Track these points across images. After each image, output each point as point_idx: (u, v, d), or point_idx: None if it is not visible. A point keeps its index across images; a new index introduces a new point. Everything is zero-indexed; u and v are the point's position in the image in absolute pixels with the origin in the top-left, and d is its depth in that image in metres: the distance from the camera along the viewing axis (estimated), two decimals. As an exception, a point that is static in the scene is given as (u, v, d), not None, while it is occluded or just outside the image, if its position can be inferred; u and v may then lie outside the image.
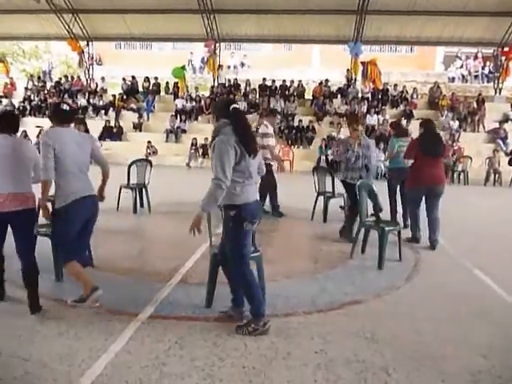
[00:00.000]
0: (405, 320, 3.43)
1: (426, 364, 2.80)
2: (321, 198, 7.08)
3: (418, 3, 15.71)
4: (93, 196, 3.44)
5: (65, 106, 3.44)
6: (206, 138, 15.56)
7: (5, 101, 18.52)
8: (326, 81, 18.58)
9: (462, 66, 22.09)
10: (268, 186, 6.74)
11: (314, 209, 7.01)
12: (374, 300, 3.82)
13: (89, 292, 3.33)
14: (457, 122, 16.32)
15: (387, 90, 18.15)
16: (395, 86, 18.36)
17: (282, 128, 16.46)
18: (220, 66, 19.74)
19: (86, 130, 6.22)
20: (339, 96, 18.10)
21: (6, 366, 2.62)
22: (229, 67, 23.19)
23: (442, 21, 16.82)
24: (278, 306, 3.58)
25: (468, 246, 5.78)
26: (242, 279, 3.12)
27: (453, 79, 21.75)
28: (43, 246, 4.18)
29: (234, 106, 3.08)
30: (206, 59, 22.86)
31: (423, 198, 5.56)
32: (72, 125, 3.58)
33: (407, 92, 18.17)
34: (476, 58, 21.59)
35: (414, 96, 18.18)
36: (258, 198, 3.17)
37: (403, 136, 6.78)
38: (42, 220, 4.87)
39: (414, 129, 15.25)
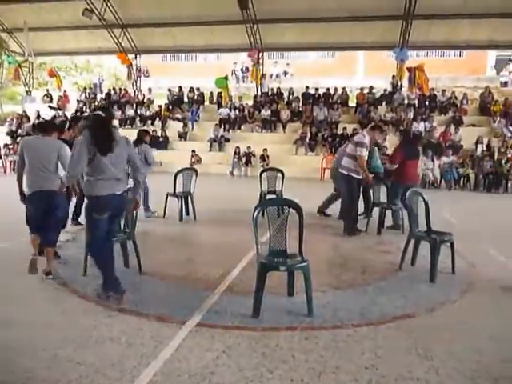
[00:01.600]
0: (461, 337, 3.26)
1: (486, 385, 2.64)
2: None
3: (467, 6, 15.17)
4: (47, 191, 4.25)
5: (37, 121, 4.13)
6: (249, 147, 15.69)
7: (56, 112, 19.46)
8: (371, 88, 18.26)
9: (515, 70, 21.17)
10: (346, 195, 6.63)
11: (369, 220, 6.84)
12: (427, 314, 3.66)
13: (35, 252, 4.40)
14: (510, 129, 15.55)
15: (435, 95, 17.59)
16: (443, 91, 17.76)
17: (325, 136, 16.32)
18: (263, 75, 19.85)
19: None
20: (384, 103, 17.74)
21: (62, 369, 2.70)
22: (271, 76, 23.34)
23: (493, 23, 16.11)
24: (327, 318, 3.51)
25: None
26: (92, 257, 3.71)
27: (505, 83, 20.83)
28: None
29: (96, 112, 3.57)
30: (245, 69, 23.20)
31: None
32: (54, 134, 4.57)
33: (456, 98, 17.52)
34: (531, 61, 20.63)
35: (464, 102, 17.53)
36: (119, 193, 3.57)
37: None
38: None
39: (464, 136, 14.84)
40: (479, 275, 4.72)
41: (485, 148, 14.35)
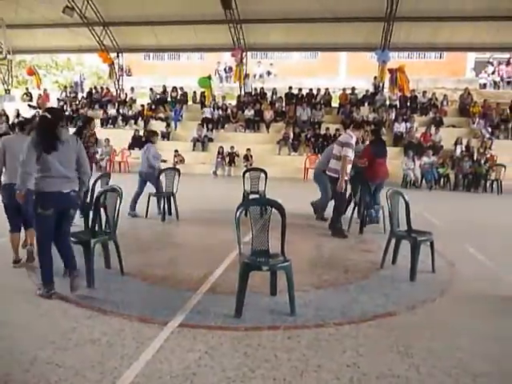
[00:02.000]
0: (441, 334, 3.31)
1: (464, 382, 2.68)
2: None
3: (448, 9, 15.44)
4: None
5: (16, 120, 4.19)
6: (233, 147, 15.68)
7: (36, 111, 19.10)
8: (353, 88, 18.44)
9: (493, 72, 21.58)
10: (339, 198, 6.50)
11: (351, 219, 6.88)
12: (407, 312, 3.71)
13: (15, 258, 4.60)
14: (489, 130, 15.89)
15: (416, 97, 17.85)
16: (424, 92, 18.04)
17: (308, 136, 16.41)
18: (246, 75, 19.85)
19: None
20: (366, 104, 17.92)
21: (41, 371, 2.66)
22: (255, 76, 23.35)
23: (472, 26, 16.47)
24: (309, 317, 3.53)
25: (503, 256, 5.57)
26: (37, 251, 3.84)
27: (484, 85, 21.25)
28: (75, 254, 4.26)
29: (43, 114, 3.81)
30: (228, 68, 23.17)
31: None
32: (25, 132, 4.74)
33: (436, 99, 17.82)
34: (508, 63, 21.07)
35: (444, 103, 17.82)
36: (66, 191, 3.76)
37: None
38: (73, 228, 4.95)
39: (444, 137, 15.12)
40: (459, 274, 4.80)
41: (464, 149, 14.62)
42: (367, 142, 7.60)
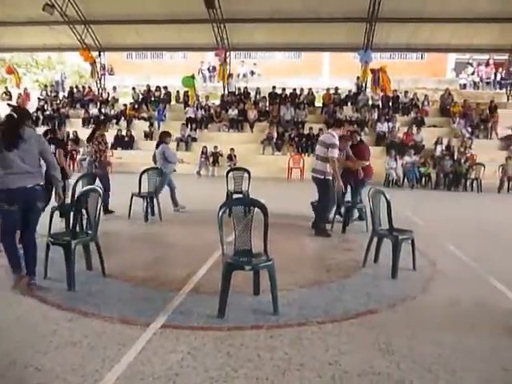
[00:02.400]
0: (421, 331, 3.35)
1: (444, 377, 2.72)
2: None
3: (428, 10, 15.65)
4: None
5: None
6: (216, 147, 15.64)
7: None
8: (336, 88, 18.57)
9: (473, 73, 21.97)
10: (325, 199, 6.44)
11: (334, 219, 6.89)
12: (388, 310, 3.75)
13: None
14: (469, 129, 16.17)
15: (398, 97, 18.07)
16: (406, 93, 18.28)
17: (292, 136, 16.46)
18: (230, 75, 19.83)
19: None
20: (349, 103, 18.07)
21: (19, 376, 2.61)
22: (238, 76, 23.34)
23: (452, 27, 16.73)
24: (292, 316, 3.54)
25: (483, 254, 5.67)
26: (3, 245, 3.99)
27: (464, 86, 21.62)
28: (56, 255, 4.21)
29: (10, 113, 3.88)
30: (212, 68, 23.11)
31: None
32: None
33: (418, 99, 18.08)
34: (488, 64, 21.46)
35: (425, 103, 18.08)
36: (30, 186, 3.84)
37: None
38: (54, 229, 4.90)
39: (426, 137, 15.35)
40: (439, 272, 4.87)
41: (444, 148, 14.86)
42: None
